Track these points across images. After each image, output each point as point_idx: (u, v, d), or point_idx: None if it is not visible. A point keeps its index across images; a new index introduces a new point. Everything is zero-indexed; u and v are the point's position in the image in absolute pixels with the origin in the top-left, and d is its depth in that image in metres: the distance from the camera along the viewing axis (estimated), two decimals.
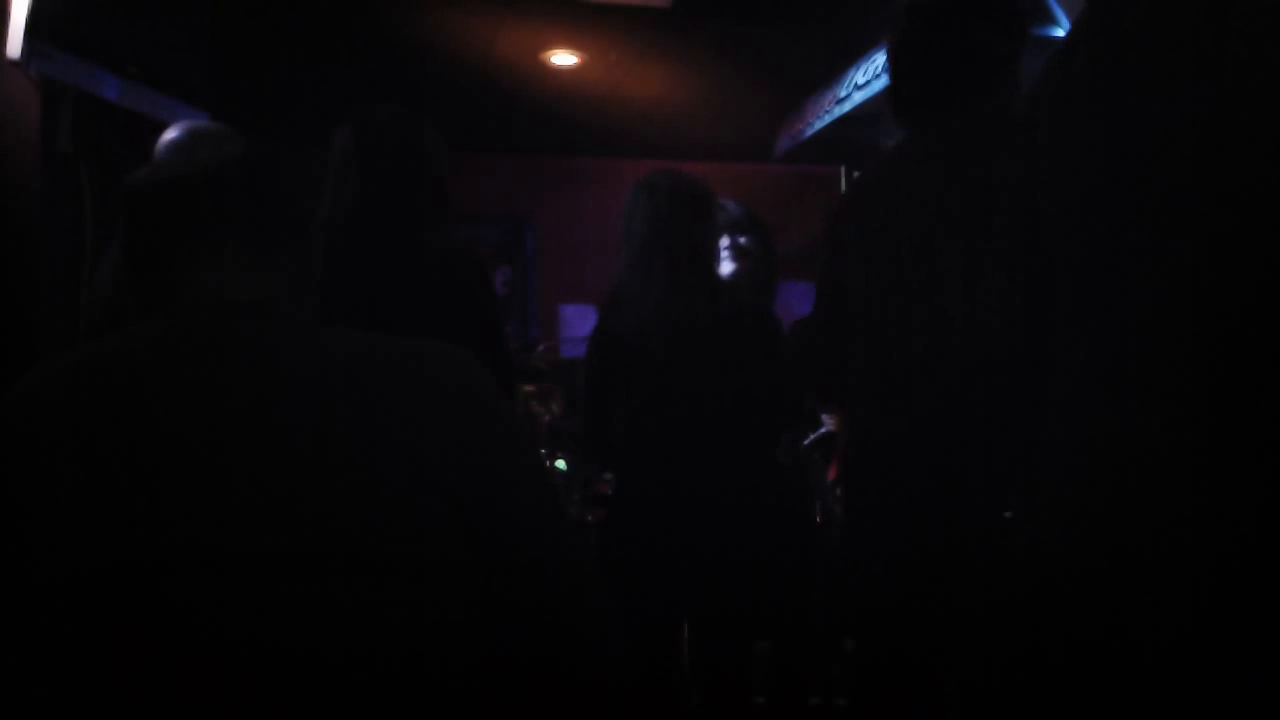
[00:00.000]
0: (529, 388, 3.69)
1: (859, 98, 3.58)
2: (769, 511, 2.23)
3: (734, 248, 2.86)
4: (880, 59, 3.42)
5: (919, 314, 1.54)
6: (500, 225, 5.13)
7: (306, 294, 1.05)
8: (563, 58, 3.77)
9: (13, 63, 2.40)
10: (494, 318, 2.06)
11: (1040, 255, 1.18)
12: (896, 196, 1.61)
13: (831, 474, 2.81)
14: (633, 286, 2.25)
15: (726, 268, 2.86)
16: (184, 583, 0.84)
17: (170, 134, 2.45)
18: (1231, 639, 0.95)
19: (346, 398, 0.91)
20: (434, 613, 0.89)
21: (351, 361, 0.94)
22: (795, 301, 3.30)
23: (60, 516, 0.86)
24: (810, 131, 4.05)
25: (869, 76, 3.50)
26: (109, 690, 0.83)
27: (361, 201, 1.97)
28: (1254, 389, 0.95)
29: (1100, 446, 1.05)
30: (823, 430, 2.87)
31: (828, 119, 3.86)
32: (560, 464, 3.13)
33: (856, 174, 1.97)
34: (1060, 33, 2.82)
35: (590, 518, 2.85)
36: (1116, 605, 1.03)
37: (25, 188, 2.53)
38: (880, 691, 1.62)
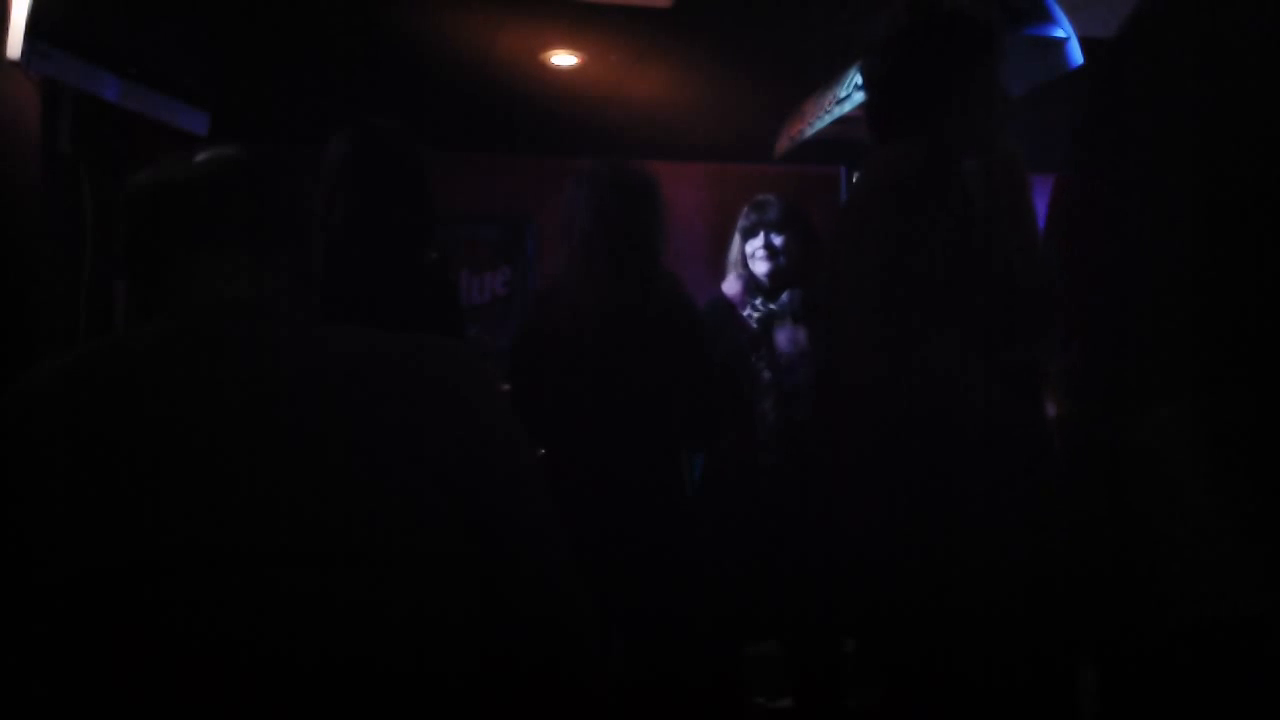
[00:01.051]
0: None
1: (859, 98, 3.58)
2: (692, 512, 2.23)
3: (767, 247, 2.87)
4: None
5: (891, 330, 1.55)
6: (500, 225, 5.12)
7: (307, 294, 1.05)
8: (563, 58, 3.77)
9: (13, 63, 2.40)
10: (462, 333, 2.14)
11: (997, 267, 1.19)
12: (857, 213, 1.65)
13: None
14: (571, 280, 2.23)
15: (762, 267, 2.87)
16: (184, 582, 0.83)
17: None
18: (1233, 639, 0.96)
19: (346, 395, 0.91)
20: (434, 610, 0.89)
21: (350, 359, 0.94)
22: None
23: (60, 517, 0.86)
24: (810, 131, 4.05)
25: None
26: (109, 690, 0.83)
27: (359, 213, 1.99)
28: (1254, 389, 0.95)
29: (1100, 448, 1.05)
30: None
31: (828, 119, 3.86)
32: None
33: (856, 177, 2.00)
34: (1059, 33, 2.82)
35: None
36: (1116, 606, 1.03)
37: (25, 188, 2.53)
38: (884, 694, 1.62)
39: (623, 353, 2.17)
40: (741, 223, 2.95)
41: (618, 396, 2.16)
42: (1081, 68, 2.74)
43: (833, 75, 3.80)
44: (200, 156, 1.02)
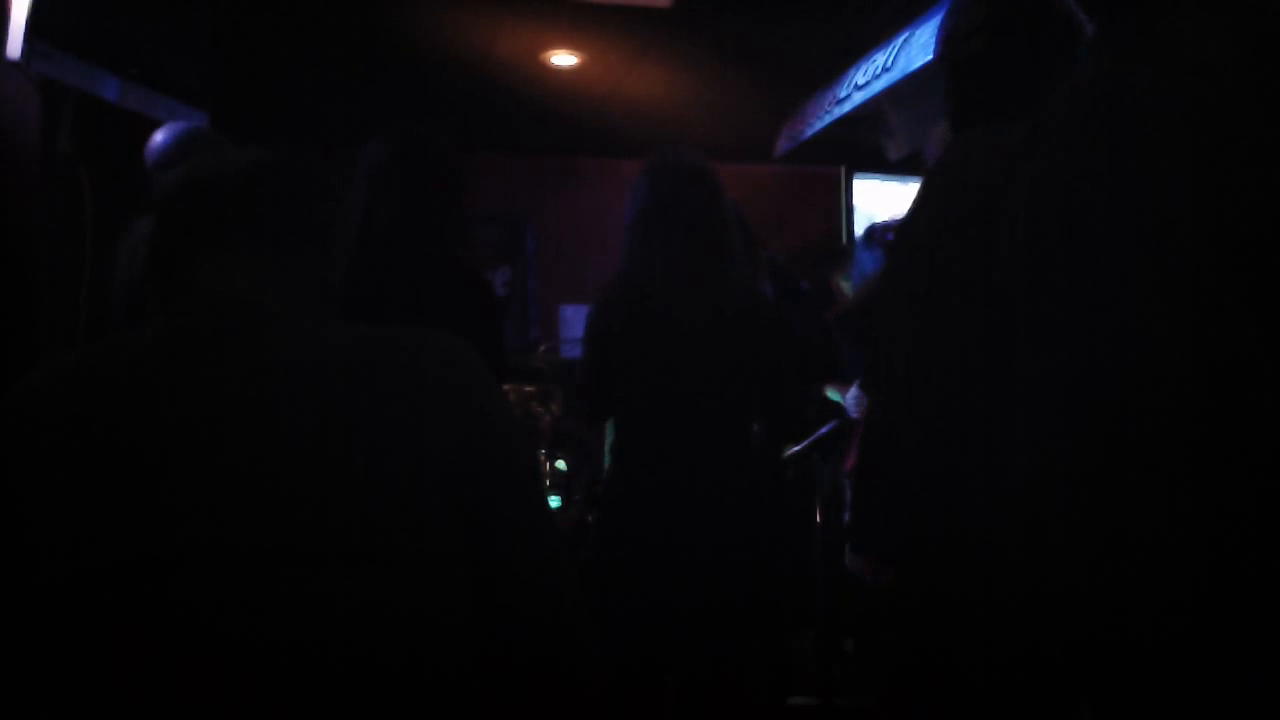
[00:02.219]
0: (529, 388, 3.69)
1: (859, 98, 3.58)
2: (768, 510, 2.21)
3: None
4: (880, 59, 3.43)
5: (926, 313, 1.54)
6: (500, 225, 5.13)
7: (323, 298, 1.05)
8: (563, 58, 3.77)
9: (13, 63, 2.40)
10: (502, 339, 2.11)
11: (1032, 259, 1.18)
12: (929, 193, 1.63)
13: (848, 464, 2.81)
14: (650, 272, 2.18)
15: None
16: (186, 580, 0.84)
17: (160, 137, 2.45)
18: (1231, 638, 0.96)
19: (346, 394, 0.91)
20: (433, 610, 0.89)
21: (350, 357, 0.94)
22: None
23: (62, 515, 0.86)
24: (810, 131, 4.05)
25: (869, 76, 3.50)
26: (111, 688, 0.83)
27: (400, 216, 2.00)
28: (1252, 390, 0.95)
29: (1099, 447, 1.05)
30: (831, 425, 2.87)
31: (828, 119, 3.87)
32: (560, 464, 3.13)
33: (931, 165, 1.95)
34: None
35: (591, 518, 2.85)
36: (1117, 606, 1.03)
37: (25, 188, 2.53)
38: (885, 692, 1.62)
39: (705, 352, 2.14)
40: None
41: (697, 398, 2.14)
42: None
43: (833, 75, 3.81)
44: (223, 157, 1.03)
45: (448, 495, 0.90)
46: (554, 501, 3.02)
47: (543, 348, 4.42)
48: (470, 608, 0.91)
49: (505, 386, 2.93)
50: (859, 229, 4.67)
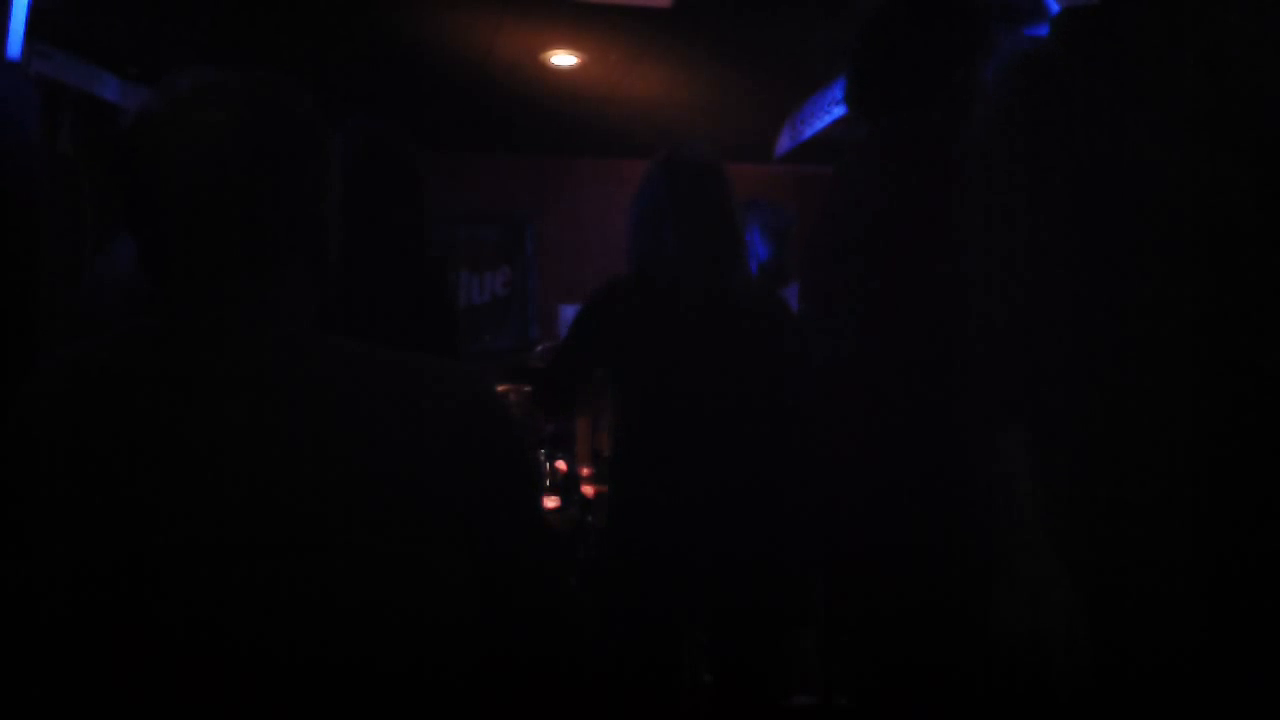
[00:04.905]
0: (529, 388, 3.69)
1: None
2: (778, 512, 2.21)
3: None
4: None
5: (865, 310, 1.54)
6: (500, 225, 5.13)
7: (323, 296, 1.05)
8: (563, 58, 3.77)
9: (13, 63, 2.40)
10: (457, 319, 2.11)
11: (994, 249, 1.18)
12: (844, 192, 1.63)
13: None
14: (664, 265, 2.14)
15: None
16: (183, 581, 0.84)
17: None
18: (1232, 639, 0.96)
19: (346, 396, 0.91)
20: (433, 609, 0.89)
21: (351, 361, 0.94)
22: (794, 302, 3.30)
23: (59, 515, 0.86)
24: (810, 132, 4.05)
25: None
26: (109, 689, 0.83)
27: (357, 215, 2.00)
28: (1250, 387, 0.95)
29: (1097, 449, 1.05)
30: None
31: (828, 119, 3.87)
32: (560, 465, 3.13)
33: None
34: None
35: (590, 519, 2.85)
36: (1116, 607, 1.03)
37: (25, 187, 2.53)
38: (879, 694, 1.61)
39: (716, 349, 2.12)
40: (779, 224, 2.92)
41: (706, 398, 2.11)
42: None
43: (833, 75, 3.81)
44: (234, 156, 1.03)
45: (446, 495, 0.91)
46: (553, 502, 3.02)
47: (542, 348, 4.41)
48: (469, 608, 0.92)
49: (504, 387, 2.93)
50: None
